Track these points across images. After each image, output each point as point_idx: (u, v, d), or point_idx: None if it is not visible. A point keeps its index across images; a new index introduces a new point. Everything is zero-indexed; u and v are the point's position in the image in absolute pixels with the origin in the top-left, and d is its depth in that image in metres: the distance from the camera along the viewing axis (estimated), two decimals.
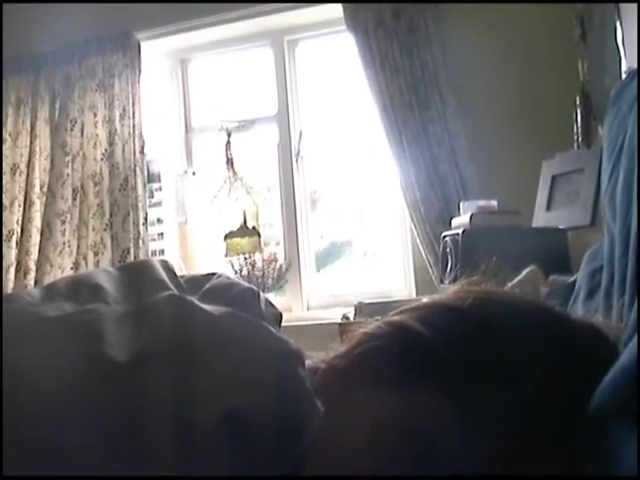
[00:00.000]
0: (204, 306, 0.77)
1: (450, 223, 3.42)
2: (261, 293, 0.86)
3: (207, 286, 0.85)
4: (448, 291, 0.87)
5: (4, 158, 4.93)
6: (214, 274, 0.89)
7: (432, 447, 0.72)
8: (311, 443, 0.73)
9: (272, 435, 0.69)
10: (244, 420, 0.67)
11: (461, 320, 0.79)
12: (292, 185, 4.79)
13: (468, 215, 3.13)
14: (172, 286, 0.83)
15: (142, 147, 4.80)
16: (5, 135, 4.99)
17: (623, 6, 2.85)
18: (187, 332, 0.73)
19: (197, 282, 0.87)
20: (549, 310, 0.86)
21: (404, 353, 0.78)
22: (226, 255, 4.79)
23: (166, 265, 0.89)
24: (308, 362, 0.80)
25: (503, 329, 0.78)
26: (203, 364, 0.70)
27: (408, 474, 0.72)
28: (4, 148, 4.94)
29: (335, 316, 4.13)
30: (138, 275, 0.86)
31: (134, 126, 4.79)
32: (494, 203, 3.30)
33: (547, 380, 0.74)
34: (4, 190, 4.88)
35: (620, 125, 1.19)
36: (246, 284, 0.86)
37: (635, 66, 1.28)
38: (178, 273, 0.89)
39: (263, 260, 4.67)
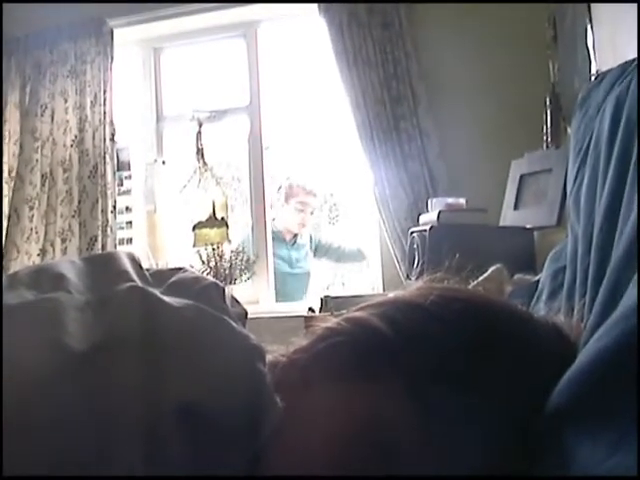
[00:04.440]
0: (165, 298, 0.77)
1: (418, 219, 3.43)
2: (226, 289, 0.86)
3: (172, 279, 0.85)
4: (411, 288, 0.88)
5: None
6: (181, 268, 0.89)
7: (391, 443, 0.72)
8: (270, 438, 0.73)
9: (229, 430, 0.69)
10: (200, 414, 0.67)
11: (422, 318, 0.79)
12: (262, 177, 4.78)
13: (436, 212, 3.14)
14: (136, 278, 0.83)
15: (112, 135, 4.77)
16: None
17: (595, 8, 2.87)
18: (147, 323, 0.72)
19: (163, 275, 0.86)
20: (511, 309, 0.86)
21: (364, 349, 0.79)
22: (194, 245, 4.78)
23: (132, 257, 0.89)
24: (268, 357, 0.80)
25: (464, 327, 0.78)
26: (161, 356, 0.70)
27: (367, 470, 0.72)
28: None
29: (302, 309, 4.13)
30: (102, 266, 0.86)
31: (105, 113, 4.76)
32: (462, 201, 3.32)
33: (507, 379, 0.75)
34: None
35: (587, 127, 1.20)
36: (211, 279, 0.86)
37: (603, 69, 1.30)
38: (146, 263, 0.89)
39: (231, 251, 4.66)
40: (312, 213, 5.17)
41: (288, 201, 5.04)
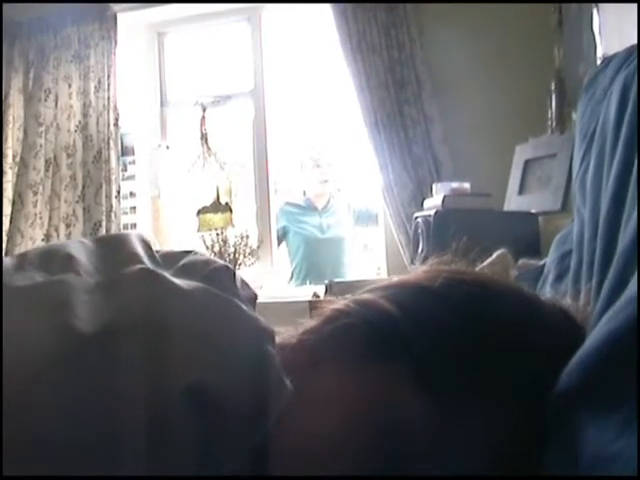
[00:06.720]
0: (176, 281, 0.77)
1: (422, 204, 3.43)
2: (237, 272, 0.86)
3: (182, 262, 0.85)
4: (418, 270, 0.88)
5: None
6: (191, 251, 0.89)
7: (399, 425, 0.73)
8: (279, 420, 0.74)
9: (238, 411, 0.69)
10: (209, 395, 0.67)
11: (431, 300, 0.80)
12: (266, 161, 4.78)
13: (441, 196, 3.14)
14: (147, 260, 0.82)
15: (116, 120, 4.77)
16: None
17: None
18: (156, 306, 0.72)
19: (173, 257, 0.86)
20: (519, 291, 0.86)
21: (372, 331, 0.79)
22: (198, 230, 4.78)
23: (142, 239, 0.89)
24: (277, 338, 0.80)
25: (472, 309, 0.78)
26: (171, 338, 0.69)
27: (375, 452, 0.73)
28: None
29: (306, 294, 4.14)
30: (113, 247, 0.86)
31: (109, 98, 4.76)
32: (467, 185, 3.32)
33: (516, 361, 0.75)
34: None
35: (593, 112, 1.19)
36: (222, 262, 0.86)
37: (609, 53, 1.30)
38: (154, 248, 0.89)
39: (235, 236, 4.66)
40: (330, 165, 5.11)
41: (303, 165, 5.04)
